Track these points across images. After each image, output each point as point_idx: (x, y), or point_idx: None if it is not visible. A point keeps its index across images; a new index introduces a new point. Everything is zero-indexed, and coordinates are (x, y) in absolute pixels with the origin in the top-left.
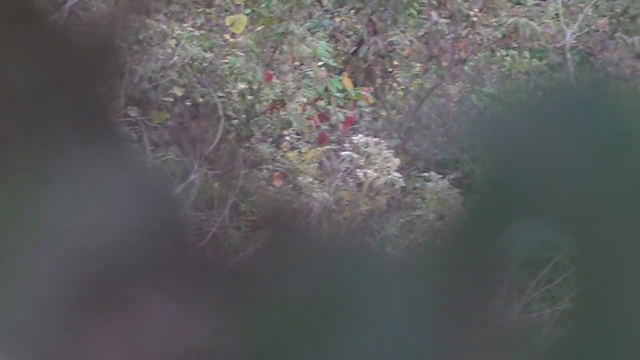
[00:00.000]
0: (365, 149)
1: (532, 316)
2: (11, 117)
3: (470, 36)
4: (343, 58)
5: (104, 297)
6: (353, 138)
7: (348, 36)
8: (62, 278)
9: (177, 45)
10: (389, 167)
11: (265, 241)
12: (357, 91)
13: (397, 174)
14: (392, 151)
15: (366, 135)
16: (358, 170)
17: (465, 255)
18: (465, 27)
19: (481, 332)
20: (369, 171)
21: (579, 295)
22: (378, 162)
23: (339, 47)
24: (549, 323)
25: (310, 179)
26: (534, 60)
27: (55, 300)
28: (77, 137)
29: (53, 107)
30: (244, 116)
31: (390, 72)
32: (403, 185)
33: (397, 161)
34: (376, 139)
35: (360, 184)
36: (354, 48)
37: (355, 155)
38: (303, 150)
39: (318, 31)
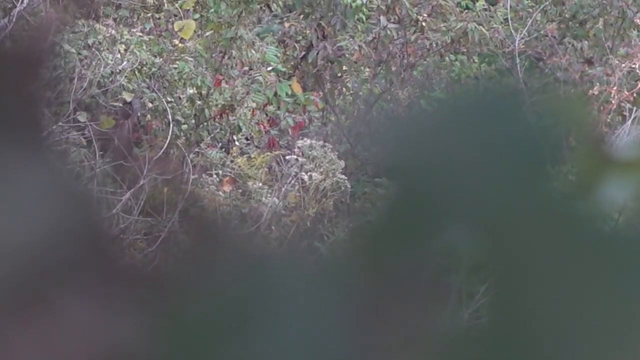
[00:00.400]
0: (310, 152)
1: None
2: None
3: (419, 41)
4: (292, 63)
5: (22, 298)
6: (299, 142)
7: (297, 41)
8: None
9: (126, 50)
10: (334, 169)
11: (191, 245)
12: (307, 96)
13: (342, 177)
14: (337, 154)
15: (315, 140)
16: (304, 173)
17: (384, 259)
18: (414, 32)
19: (405, 334)
20: (315, 174)
21: (492, 298)
22: (324, 165)
23: (288, 52)
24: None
25: (260, 184)
26: (483, 65)
27: None
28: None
29: None
30: (193, 121)
31: (340, 77)
32: (351, 189)
33: (342, 163)
34: (321, 142)
35: (307, 188)
36: (303, 53)
37: (302, 159)
38: (252, 155)
39: (267, 36)
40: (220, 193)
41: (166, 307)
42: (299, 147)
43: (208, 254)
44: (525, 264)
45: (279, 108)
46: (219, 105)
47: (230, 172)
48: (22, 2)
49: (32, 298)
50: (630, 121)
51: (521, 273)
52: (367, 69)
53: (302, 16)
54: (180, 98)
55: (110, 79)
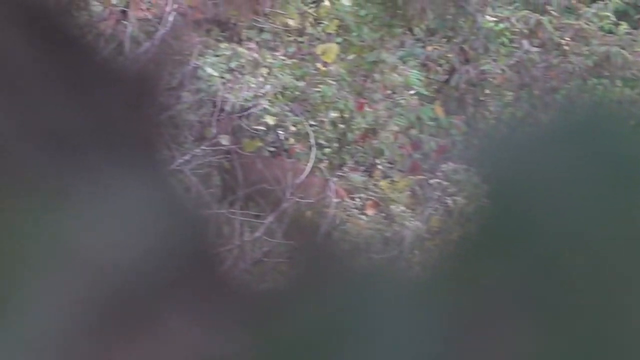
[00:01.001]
0: (454, 176)
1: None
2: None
3: (562, 64)
4: (435, 86)
5: (128, 315)
6: (442, 166)
7: (440, 65)
8: (86, 296)
9: (268, 73)
10: (478, 193)
11: (304, 263)
12: (449, 119)
13: (487, 200)
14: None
15: (458, 164)
16: (447, 197)
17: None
18: (557, 55)
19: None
20: (458, 198)
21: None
22: (467, 189)
23: (430, 76)
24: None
25: (403, 208)
26: (626, 89)
27: (79, 319)
28: (118, 159)
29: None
30: (335, 145)
31: (482, 100)
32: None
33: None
34: (464, 166)
35: (450, 212)
36: (446, 77)
37: (445, 183)
38: (395, 179)
39: (410, 60)
40: (363, 217)
41: (272, 325)
42: (442, 171)
43: (321, 272)
44: (626, 289)
45: (421, 131)
46: (362, 129)
47: (373, 196)
48: (165, 25)
49: (139, 315)
50: None
51: (620, 297)
52: (510, 93)
53: (444, 40)
54: (323, 121)
55: (253, 103)
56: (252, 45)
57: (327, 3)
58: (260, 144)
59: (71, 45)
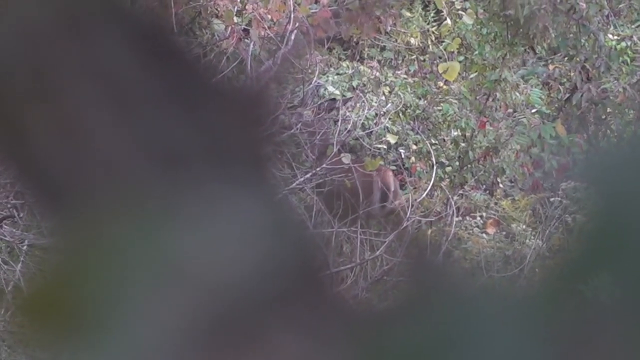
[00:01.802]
0: (575, 194)
1: None
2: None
3: None
4: (556, 105)
5: (236, 332)
6: (563, 184)
7: (561, 83)
8: (194, 313)
9: (390, 92)
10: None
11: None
12: (571, 138)
13: None
14: None
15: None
16: (567, 215)
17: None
18: None
19: None
20: (579, 216)
21: None
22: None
23: (552, 94)
24: None
25: (524, 226)
26: None
27: (187, 336)
28: (229, 177)
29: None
30: (457, 163)
31: (604, 119)
32: None
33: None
34: (585, 184)
35: (571, 230)
36: (567, 95)
37: (566, 201)
38: (517, 198)
39: (531, 78)
40: (484, 235)
41: (374, 342)
42: (563, 189)
43: (438, 291)
44: None
45: (543, 150)
46: (483, 147)
47: (494, 214)
48: (286, 44)
49: (245, 332)
50: None
51: None
52: (632, 111)
53: (566, 58)
54: (444, 140)
55: (375, 121)
56: (374, 63)
57: (449, 22)
58: (381, 162)
59: (185, 64)
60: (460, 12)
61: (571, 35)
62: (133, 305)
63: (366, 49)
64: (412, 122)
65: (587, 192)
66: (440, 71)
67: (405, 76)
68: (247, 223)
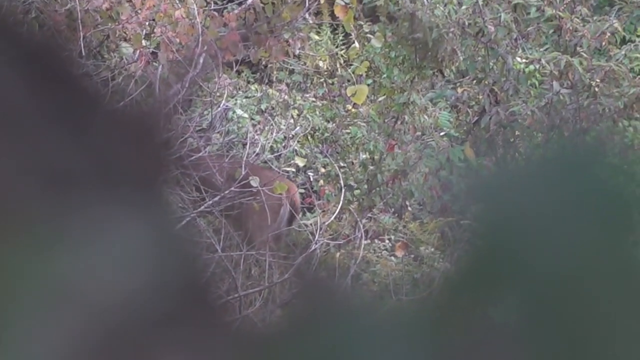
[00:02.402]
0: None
1: None
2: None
3: (592, 106)
4: (465, 128)
5: (122, 353)
6: (472, 207)
7: (470, 106)
8: (80, 335)
9: (299, 115)
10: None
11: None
12: (479, 161)
13: None
14: None
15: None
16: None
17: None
18: (587, 97)
19: None
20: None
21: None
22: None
23: (460, 117)
24: None
25: (432, 249)
26: None
27: (73, 357)
28: (118, 198)
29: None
30: (365, 186)
31: (512, 142)
32: None
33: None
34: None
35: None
36: (476, 118)
37: (474, 224)
38: (425, 221)
39: (440, 101)
40: (393, 258)
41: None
42: (472, 212)
43: (316, 310)
44: (600, 325)
45: (451, 173)
46: (392, 170)
47: (403, 237)
48: (195, 67)
49: (131, 352)
50: None
51: (592, 333)
52: (540, 134)
53: (474, 81)
54: (352, 163)
55: (283, 144)
56: (283, 86)
57: (357, 45)
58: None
59: (74, 87)
60: (368, 35)
61: (480, 58)
62: (19, 327)
63: (275, 72)
64: (320, 145)
65: (475, 213)
66: (349, 94)
67: (313, 99)
68: (133, 245)
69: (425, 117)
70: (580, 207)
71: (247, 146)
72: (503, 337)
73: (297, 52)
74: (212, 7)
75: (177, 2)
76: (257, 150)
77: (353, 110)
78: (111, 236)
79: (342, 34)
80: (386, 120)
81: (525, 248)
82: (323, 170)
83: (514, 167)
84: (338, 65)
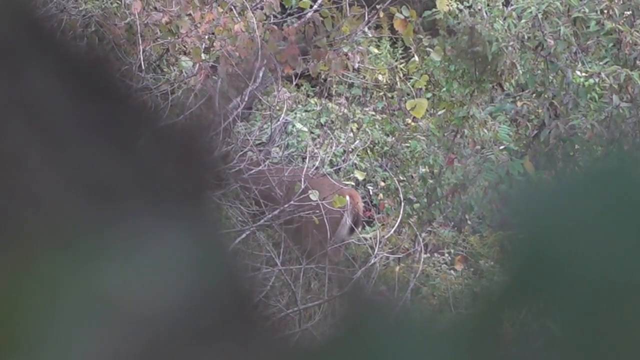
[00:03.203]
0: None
1: None
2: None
3: None
4: (524, 142)
5: None
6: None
7: (529, 120)
8: (122, 346)
9: (358, 129)
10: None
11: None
12: (539, 175)
13: None
14: None
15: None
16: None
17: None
18: None
19: None
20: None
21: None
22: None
23: (520, 131)
24: None
25: (492, 263)
26: None
27: None
28: (161, 211)
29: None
30: (425, 200)
31: (572, 156)
32: None
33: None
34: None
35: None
36: (535, 132)
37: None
38: (484, 234)
39: (499, 115)
40: (452, 272)
41: None
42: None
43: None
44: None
45: (511, 187)
46: (451, 184)
47: (462, 251)
48: (254, 81)
49: None
50: None
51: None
52: (600, 148)
53: (534, 95)
54: (412, 177)
55: (343, 158)
56: (342, 100)
57: (416, 58)
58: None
59: (119, 100)
60: (427, 49)
61: (539, 72)
62: (62, 339)
63: (334, 86)
64: (380, 159)
65: (517, 225)
66: (408, 108)
67: (373, 113)
68: (175, 258)
69: (485, 130)
70: (636, 221)
71: (307, 160)
72: (559, 349)
73: (357, 65)
74: (272, 21)
75: (237, 15)
76: (317, 163)
77: (412, 124)
78: (153, 249)
79: (402, 48)
80: (445, 134)
81: (579, 261)
82: (382, 184)
83: (571, 181)
84: (397, 79)
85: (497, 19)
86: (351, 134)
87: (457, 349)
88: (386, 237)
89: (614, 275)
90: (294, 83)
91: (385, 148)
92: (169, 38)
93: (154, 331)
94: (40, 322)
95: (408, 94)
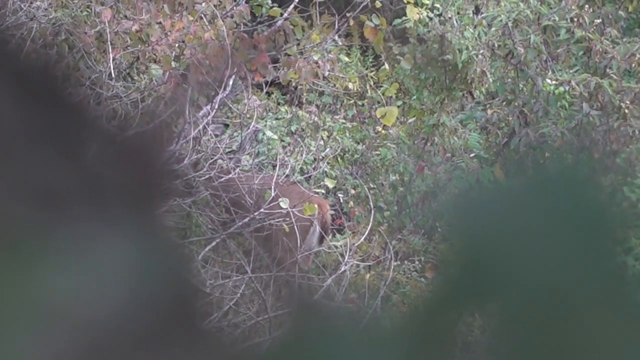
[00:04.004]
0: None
1: None
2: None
3: (622, 128)
4: (494, 149)
5: None
6: None
7: (500, 128)
8: (64, 350)
9: (328, 136)
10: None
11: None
12: (509, 182)
13: None
14: None
15: None
16: None
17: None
18: (617, 118)
19: None
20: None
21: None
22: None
23: (490, 139)
24: None
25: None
26: None
27: None
28: (107, 216)
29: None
30: (395, 207)
31: (542, 163)
32: None
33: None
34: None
35: None
36: (506, 140)
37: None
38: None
39: (470, 123)
40: (423, 279)
41: None
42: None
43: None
44: (578, 337)
45: (481, 194)
46: (422, 192)
47: (433, 259)
48: (224, 89)
49: None
50: None
51: (572, 344)
52: (570, 156)
53: (504, 103)
54: (382, 184)
55: (313, 165)
56: (313, 108)
57: (387, 66)
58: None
59: (67, 108)
60: (398, 57)
61: (509, 79)
62: (4, 342)
63: (305, 94)
64: (350, 167)
65: (452, 231)
66: (379, 116)
67: (343, 121)
68: (118, 263)
69: (455, 138)
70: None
71: (277, 167)
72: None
73: (327, 73)
74: (242, 29)
75: (207, 24)
76: (287, 171)
77: (383, 131)
78: (96, 253)
79: (372, 56)
80: (416, 142)
81: (514, 266)
82: (353, 191)
83: (515, 187)
84: (368, 87)
85: (467, 27)
86: (322, 142)
87: (399, 353)
88: (356, 244)
89: (549, 279)
90: (265, 91)
91: (356, 156)
92: (139, 46)
93: (95, 335)
94: None
95: (378, 102)
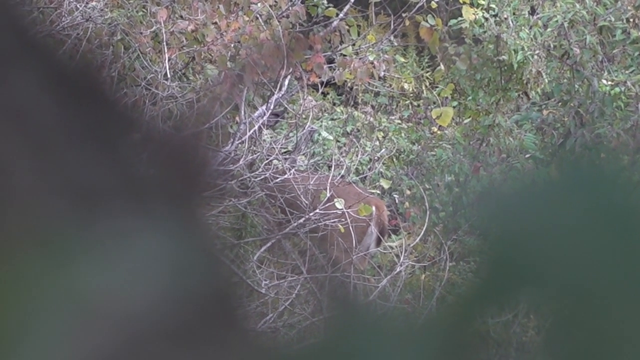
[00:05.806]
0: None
1: None
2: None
3: None
4: (550, 150)
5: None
6: None
7: (555, 129)
8: (102, 345)
9: (384, 137)
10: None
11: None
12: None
13: None
14: None
15: None
16: None
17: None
18: None
19: None
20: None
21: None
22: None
23: (545, 140)
24: None
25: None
26: None
27: None
28: (145, 212)
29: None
30: (450, 208)
31: (598, 164)
32: None
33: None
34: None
35: None
36: (561, 140)
37: None
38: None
39: (525, 123)
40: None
41: None
42: None
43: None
44: (610, 334)
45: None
46: (477, 192)
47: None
48: (280, 89)
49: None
50: None
51: (603, 341)
52: (626, 157)
53: (560, 104)
54: (438, 185)
55: (368, 166)
56: (368, 108)
57: (442, 67)
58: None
59: (106, 105)
60: (453, 57)
61: (565, 80)
62: (43, 339)
63: (360, 94)
64: (405, 167)
65: (485, 228)
66: (434, 116)
67: (399, 121)
68: (156, 258)
69: (511, 139)
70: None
71: (333, 168)
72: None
73: (383, 74)
74: (297, 29)
75: (262, 24)
76: (343, 172)
77: (438, 132)
78: (134, 248)
79: (428, 56)
80: (471, 143)
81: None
82: (408, 192)
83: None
84: (423, 88)
85: (522, 27)
86: (377, 143)
87: (429, 350)
88: (412, 245)
89: (586, 278)
90: (320, 91)
91: (411, 156)
92: (195, 46)
93: (132, 331)
94: (21, 322)
95: (434, 103)
